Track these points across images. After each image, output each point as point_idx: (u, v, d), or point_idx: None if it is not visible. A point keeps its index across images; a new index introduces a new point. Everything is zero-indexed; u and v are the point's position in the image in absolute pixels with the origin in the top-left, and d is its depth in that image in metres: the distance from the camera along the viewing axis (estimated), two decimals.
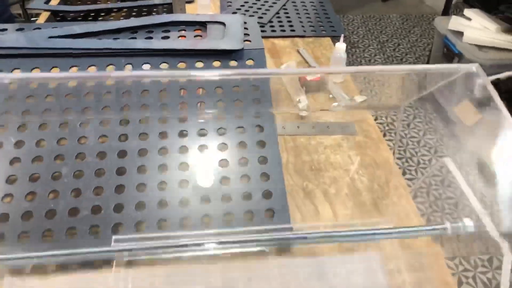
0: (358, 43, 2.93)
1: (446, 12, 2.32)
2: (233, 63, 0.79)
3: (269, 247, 0.59)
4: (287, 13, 1.30)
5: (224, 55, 0.79)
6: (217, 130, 0.71)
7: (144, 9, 1.34)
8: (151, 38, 0.84)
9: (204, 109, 0.73)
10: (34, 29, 0.87)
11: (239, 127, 0.72)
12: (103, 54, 0.80)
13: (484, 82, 0.55)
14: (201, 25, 0.87)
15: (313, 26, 1.23)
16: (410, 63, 2.72)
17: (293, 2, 1.38)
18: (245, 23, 0.89)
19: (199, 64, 0.78)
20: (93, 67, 0.78)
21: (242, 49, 0.79)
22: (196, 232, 0.61)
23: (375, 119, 0.91)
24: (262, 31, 1.20)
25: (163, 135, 0.70)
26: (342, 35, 0.97)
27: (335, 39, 1.20)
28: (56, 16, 1.31)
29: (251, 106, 0.75)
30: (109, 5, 1.35)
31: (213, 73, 0.51)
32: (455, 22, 2.03)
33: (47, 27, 0.88)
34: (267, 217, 0.63)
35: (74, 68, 0.78)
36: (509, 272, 0.41)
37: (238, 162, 0.68)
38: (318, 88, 0.97)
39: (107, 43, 0.82)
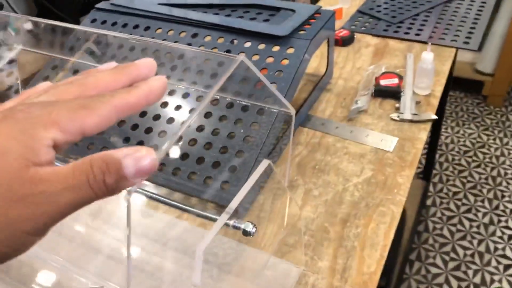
0: None
1: None
2: (275, 48, 0.80)
3: None
4: (427, 17, 1.19)
5: (271, 39, 0.81)
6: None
7: None
8: (229, 15, 0.92)
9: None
10: None
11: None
12: (186, 23, 0.92)
13: None
14: (277, 10, 0.90)
15: (445, 34, 1.10)
16: None
17: (456, 8, 1.24)
18: (319, 14, 0.87)
19: (247, 44, 0.83)
20: (171, 31, 0.91)
21: (289, 37, 0.80)
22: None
23: None
24: (384, 30, 1.13)
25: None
26: (430, 43, 0.85)
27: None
28: None
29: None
30: None
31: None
32: None
33: None
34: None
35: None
36: None
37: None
38: (392, 94, 0.89)
39: (197, 15, 0.93)
